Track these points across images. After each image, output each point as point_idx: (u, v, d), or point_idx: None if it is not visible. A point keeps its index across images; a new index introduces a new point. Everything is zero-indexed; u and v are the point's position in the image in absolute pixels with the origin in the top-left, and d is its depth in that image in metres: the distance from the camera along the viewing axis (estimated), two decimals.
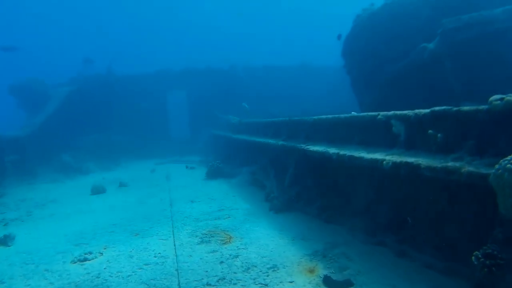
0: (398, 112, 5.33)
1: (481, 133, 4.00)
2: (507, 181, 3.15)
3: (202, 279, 5.11)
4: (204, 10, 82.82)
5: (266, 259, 5.69)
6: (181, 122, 28.30)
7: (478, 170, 3.51)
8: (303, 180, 8.77)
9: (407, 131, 5.17)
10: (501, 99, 3.73)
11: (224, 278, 5.07)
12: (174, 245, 6.60)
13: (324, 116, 8.01)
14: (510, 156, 3.26)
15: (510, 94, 3.72)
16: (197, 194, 11.09)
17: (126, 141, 23.84)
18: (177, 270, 5.48)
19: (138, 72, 27.32)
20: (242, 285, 4.88)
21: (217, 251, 6.20)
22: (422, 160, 4.32)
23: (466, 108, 4.14)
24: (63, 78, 25.97)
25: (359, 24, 13.44)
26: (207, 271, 5.36)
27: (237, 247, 6.34)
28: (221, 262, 5.69)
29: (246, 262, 5.61)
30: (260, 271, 5.24)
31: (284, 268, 5.31)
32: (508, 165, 3.17)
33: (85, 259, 6.16)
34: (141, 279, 5.24)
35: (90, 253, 6.41)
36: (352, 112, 7.41)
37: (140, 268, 5.65)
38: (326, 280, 4.71)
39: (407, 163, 4.45)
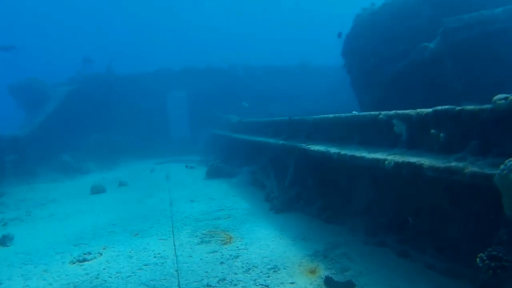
0: (400, 112, 5.28)
1: (484, 133, 3.95)
2: None
3: (202, 280, 5.06)
4: (204, 10, 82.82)
5: (266, 260, 5.65)
6: (181, 122, 28.23)
7: (482, 171, 3.46)
8: (304, 180, 8.73)
9: (409, 130, 5.12)
10: (505, 98, 3.68)
11: (225, 279, 5.02)
12: (174, 246, 6.56)
13: (324, 116, 7.96)
14: None
15: None
16: (197, 194, 11.05)
17: (126, 141, 23.81)
18: (177, 270, 5.44)
19: (138, 71, 27.27)
20: (242, 286, 4.84)
21: (217, 251, 6.16)
22: (424, 160, 4.27)
23: (469, 107, 4.10)
24: (63, 77, 25.93)
25: (359, 23, 13.40)
26: (207, 272, 5.32)
27: (238, 247, 6.30)
28: (222, 262, 5.65)
29: (247, 263, 5.57)
30: (261, 272, 5.20)
31: (285, 269, 5.27)
32: None
33: (84, 260, 6.12)
34: (140, 280, 5.19)
35: (89, 253, 6.37)
36: (353, 112, 7.35)
37: (140, 269, 5.61)
38: (328, 281, 4.67)
39: (409, 163, 4.40)
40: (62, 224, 8.83)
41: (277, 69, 28.46)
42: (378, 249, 5.69)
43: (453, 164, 3.85)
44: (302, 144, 8.13)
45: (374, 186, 6.30)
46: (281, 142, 9.52)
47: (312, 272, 5.10)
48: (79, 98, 23.11)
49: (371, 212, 6.35)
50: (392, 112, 5.46)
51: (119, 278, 5.33)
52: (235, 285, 4.88)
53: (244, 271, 5.27)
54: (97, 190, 12.81)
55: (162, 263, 5.81)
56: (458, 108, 4.23)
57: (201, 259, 5.83)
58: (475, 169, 3.55)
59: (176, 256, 6.05)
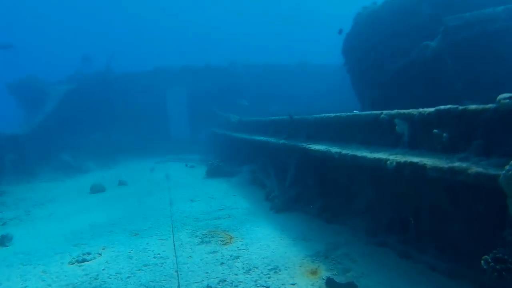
0: (402, 111, 5.23)
1: (488, 133, 3.90)
2: None
3: (203, 281, 5.02)
4: (204, 9, 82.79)
5: (267, 260, 5.61)
6: (181, 121, 28.20)
7: (487, 171, 3.41)
8: (304, 180, 8.68)
9: (411, 130, 5.07)
10: (510, 98, 3.63)
11: (225, 280, 4.98)
12: (174, 246, 6.51)
13: (325, 115, 7.91)
14: None
15: None
16: (197, 193, 11.01)
17: (126, 140, 23.80)
18: (177, 271, 5.40)
19: (137, 70, 27.23)
20: None
21: (217, 252, 6.11)
22: (427, 160, 4.22)
23: (472, 107, 4.05)
24: (62, 76, 25.86)
25: (359, 22, 13.36)
26: (207, 273, 5.27)
27: (238, 247, 6.25)
28: (222, 263, 5.61)
29: (247, 264, 5.52)
30: (262, 273, 5.15)
31: (286, 269, 5.23)
32: None
33: (84, 260, 6.08)
34: (140, 281, 5.15)
35: (89, 253, 6.33)
36: (354, 111, 7.30)
37: (139, 270, 5.56)
38: (329, 282, 4.62)
39: (411, 163, 4.35)
40: (61, 223, 8.79)
41: (277, 67, 28.40)
42: (379, 250, 5.65)
43: (457, 164, 3.80)
44: (303, 144, 8.08)
45: (375, 185, 6.25)
46: (281, 141, 9.47)
47: (313, 273, 5.05)
48: (79, 96, 23.06)
49: (372, 212, 6.31)
50: (394, 111, 5.41)
51: (119, 279, 5.28)
52: (236, 286, 4.83)
53: (244, 272, 5.22)
54: (96, 189, 12.78)
55: (162, 263, 5.77)
56: (461, 107, 4.18)
57: (201, 260, 5.79)
58: (479, 169, 3.50)
59: (176, 256, 6.00)
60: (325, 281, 4.71)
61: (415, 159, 4.39)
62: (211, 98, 25.48)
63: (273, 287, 4.74)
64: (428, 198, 4.96)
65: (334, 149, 6.53)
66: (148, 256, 6.12)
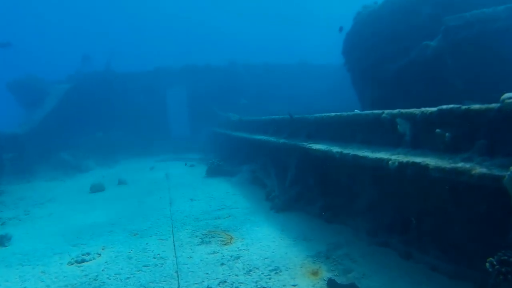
0: (404, 111, 5.19)
1: (491, 133, 3.86)
2: None
3: (203, 281, 4.98)
4: (204, 9, 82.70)
5: (268, 261, 5.56)
6: (181, 120, 28.19)
7: (491, 172, 3.37)
8: (305, 179, 8.64)
9: (413, 130, 5.03)
10: None
11: (226, 281, 4.93)
12: (174, 246, 6.47)
13: (326, 114, 7.88)
14: None
15: None
16: (197, 193, 10.97)
17: (126, 139, 23.79)
18: (176, 272, 5.35)
19: (137, 69, 27.21)
20: None
21: (217, 252, 6.07)
22: (430, 160, 4.18)
23: (475, 106, 4.01)
24: (62, 75, 25.85)
25: (359, 21, 13.32)
26: (207, 273, 5.23)
27: (238, 248, 6.21)
28: (222, 264, 5.56)
29: (248, 264, 5.48)
30: (262, 274, 5.11)
31: (287, 270, 5.18)
32: None
33: (83, 261, 6.04)
34: (140, 282, 5.11)
35: (88, 254, 6.29)
36: (355, 110, 7.26)
37: (139, 270, 5.52)
38: (331, 283, 4.58)
39: (414, 163, 4.31)
40: (60, 223, 8.75)
41: (277, 67, 28.39)
42: (381, 250, 5.60)
43: (460, 164, 3.76)
44: (303, 143, 8.04)
45: (376, 185, 6.21)
46: (282, 140, 9.43)
47: (314, 273, 5.01)
48: (78, 96, 23.05)
49: (373, 212, 6.27)
50: (396, 111, 5.36)
51: (118, 280, 5.24)
52: (236, 287, 4.79)
53: (245, 273, 5.18)
54: (96, 188, 12.75)
55: (162, 264, 5.73)
56: (464, 107, 4.14)
57: (201, 260, 5.75)
58: (483, 170, 3.45)
59: (176, 257, 5.96)
60: (326, 282, 4.67)
61: (418, 159, 4.34)
62: (211, 98, 25.47)
63: None
64: (430, 198, 4.92)
65: (335, 149, 6.49)
66: (148, 257, 6.08)
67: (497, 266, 3.29)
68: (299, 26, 76.05)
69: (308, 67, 28.87)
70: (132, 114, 25.46)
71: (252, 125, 13.99)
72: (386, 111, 5.63)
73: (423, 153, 4.62)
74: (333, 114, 7.58)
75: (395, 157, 4.77)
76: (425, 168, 4.10)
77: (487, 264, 3.37)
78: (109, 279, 5.30)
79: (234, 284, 4.85)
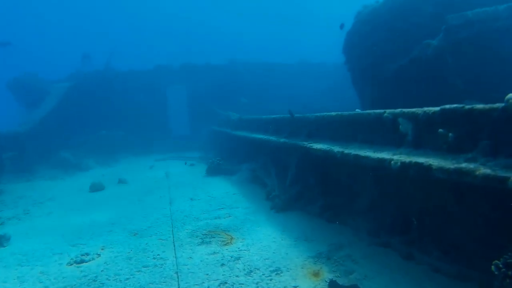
0: (406, 110, 5.13)
1: (495, 133, 3.81)
2: None
3: (203, 283, 4.93)
4: (204, 8, 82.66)
5: (268, 262, 5.52)
6: (181, 118, 28.18)
7: (495, 173, 3.32)
8: (305, 179, 8.60)
9: (415, 129, 4.97)
10: None
11: (226, 282, 4.89)
12: (174, 246, 6.43)
13: (327, 114, 7.82)
14: None
15: None
16: (197, 192, 10.94)
17: (126, 137, 23.77)
18: (176, 273, 5.31)
19: (137, 68, 27.20)
20: None
21: (218, 252, 6.02)
22: (432, 161, 4.12)
23: (479, 106, 3.95)
24: (62, 74, 25.84)
25: (360, 20, 13.27)
26: (208, 274, 5.18)
27: (239, 248, 6.16)
28: (222, 264, 5.52)
29: (248, 265, 5.44)
30: (263, 275, 5.06)
31: (288, 271, 5.14)
32: None
33: (82, 261, 5.99)
34: (139, 283, 5.06)
35: (87, 254, 6.25)
36: (356, 110, 7.22)
37: (139, 271, 5.48)
38: (332, 285, 4.53)
39: (417, 164, 4.25)
40: (60, 223, 8.72)
41: (277, 66, 28.36)
42: (382, 251, 5.56)
43: (464, 165, 3.71)
44: (304, 142, 7.98)
45: (377, 185, 6.16)
46: (282, 140, 9.37)
47: (316, 275, 4.97)
48: (79, 95, 23.05)
49: (374, 212, 6.22)
50: (398, 110, 5.31)
51: (118, 281, 5.20)
52: None
53: (245, 274, 5.14)
54: (96, 187, 12.72)
55: (162, 264, 5.68)
56: (467, 107, 4.09)
57: (201, 261, 5.70)
58: (488, 171, 3.40)
59: (176, 257, 5.91)
60: (327, 283, 4.62)
61: (420, 160, 4.29)
62: (211, 97, 25.45)
63: None
64: (432, 198, 4.87)
65: (336, 148, 6.43)
66: (148, 257, 6.03)
67: (504, 269, 3.24)
68: (299, 26, 76.10)
69: (308, 66, 28.84)
70: (132, 113, 25.45)
71: (252, 124, 13.95)
72: (388, 111, 5.57)
73: (426, 153, 4.57)
74: (334, 113, 7.53)
75: (397, 157, 4.71)
76: (428, 168, 4.05)
77: (493, 267, 3.32)
78: (109, 279, 5.26)
79: (234, 285, 4.80)
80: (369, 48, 12.56)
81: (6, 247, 7.11)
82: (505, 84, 8.74)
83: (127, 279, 5.23)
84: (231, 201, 9.62)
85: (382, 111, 5.72)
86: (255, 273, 5.15)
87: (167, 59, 31.27)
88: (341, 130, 7.15)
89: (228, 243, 6.46)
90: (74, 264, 5.91)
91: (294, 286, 4.69)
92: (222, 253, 5.98)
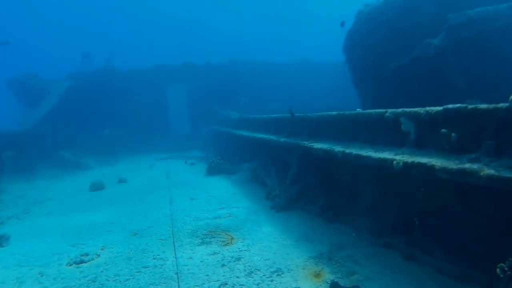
0: (408, 110, 5.09)
1: (499, 133, 3.77)
2: None
3: (203, 284, 4.89)
4: (204, 7, 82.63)
5: (269, 262, 5.48)
6: (181, 117, 28.14)
7: (499, 174, 3.28)
8: (305, 178, 8.56)
9: (417, 129, 4.93)
10: None
11: (226, 284, 4.84)
12: (174, 247, 6.38)
13: (328, 113, 7.77)
14: None
15: None
16: (197, 192, 10.90)
17: (126, 136, 23.73)
18: (177, 273, 5.27)
19: (137, 67, 27.15)
20: None
21: (218, 253, 5.98)
22: (435, 161, 4.08)
23: (483, 106, 3.91)
24: (62, 73, 25.80)
25: (361, 18, 13.22)
26: (208, 275, 5.14)
27: (239, 248, 6.12)
28: (223, 265, 5.47)
29: (249, 266, 5.39)
30: (264, 276, 5.02)
31: (289, 272, 5.09)
32: None
33: (82, 261, 5.95)
34: (139, 284, 5.02)
35: (87, 254, 6.21)
36: (357, 109, 7.17)
37: (139, 272, 5.43)
38: (334, 286, 4.48)
39: (419, 164, 4.21)
40: (60, 222, 8.68)
41: (277, 65, 28.32)
42: (384, 251, 5.52)
43: (467, 165, 3.67)
44: (305, 142, 7.94)
45: (379, 185, 6.12)
46: (282, 139, 9.33)
47: (317, 276, 4.92)
48: (78, 94, 23.02)
49: (376, 212, 6.19)
50: (400, 110, 5.27)
51: (117, 281, 5.15)
52: None
53: (246, 275, 5.09)
54: (96, 187, 12.70)
55: (162, 265, 5.64)
56: (471, 106, 4.05)
57: (201, 261, 5.65)
58: (492, 171, 3.36)
59: (176, 258, 5.87)
60: (329, 285, 4.57)
61: (423, 160, 4.25)
62: (211, 96, 25.42)
63: None
64: (435, 198, 4.83)
65: (337, 148, 6.39)
66: (148, 257, 5.99)
67: (509, 272, 3.20)
68: (300, 25, 76.03)
69: (308, 65, 28.80)
70: (132, 112, 25.42)
71: (253, 123, 13.91)
72: (389, 110, 5.53)
73: (428, 153, 4.53)
74: (335, 113, 7.48)
75: (400, 157, 4.67)
76: (431, 169, 4.01)
77: (498, 270, 3.28)
78: (108, 280, 5.22)
79: (235, 287, 4.76)
80: (370, 47, 12.52)
81: (5, 247, 7.07)
82: (506, 83, 8.72)
83: (127, 280, 5.19)
84: (231, 200, 9.58)
85: (383, 110, 5.67)
86: (255, 274, 5.10)
87: (167, 58, 31.23)
88: (342, 129, 7.11)
89: (228, 243, 6.42)
90: (74, 265, 5.87)
91: None
92: (222, 254, 5.93)
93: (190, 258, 5.83)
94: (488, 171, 3.39)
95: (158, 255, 6.06)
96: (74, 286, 5.12)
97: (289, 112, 9.47)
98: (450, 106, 4.31)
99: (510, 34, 8.97)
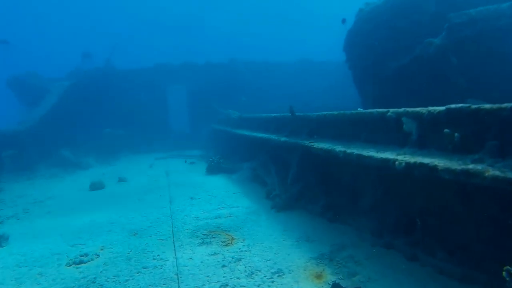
0: (410, 109, 5.04)
1: (503, 133, 3.72)
2: None
3: (204, 285, 4.84)
4: (204, 7, 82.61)
5: (270, 263, 5.44)
6: (181, 117, 28.13)
7: (505, 175, 3.24)
8: (306, 178, 8.52)
9: (419, 129, 4.88)
10: None
11: (227, 285, 4.80)
12: (174, 247, 6.34)
13: (328, 112, 7.73)
14: None
15: None
16: (197, 191, 10.87)
17: (126, 136, 23.69)
18: (177, 274, 5.22)
19: (137, 66, 27.12)
20: None
21: (218, 253, 5.93)
22: (438, 162, 4.04)
23: (487, 106, 3.87)
24: (62, 72, 25.76)
25: (361, 18, 13.19)
26: (208, 276, 5.10)
27: (240, 249, 6.08)
28: (223, 266, 5.43)
29: (250, 266, 5.35)
30: (265, 277, 4.98)
31: (290, 273, 5.05)
32: None
33: (81, 262, 5.91)
34: (139, 285, 4.97)
35: (86, 255, 6.16)
36: (359, 109, 7.13)
37: (138, 272, 5.39)
38: (336, 287, 4.45)
39: (422, 164, 4.17)
40: (59, 222, 8.63)
41: (278, 65, 28.27)
42: (386, 252, 5.47)
43: (471, 166, 3.62)
44: (305, 141, 7.90)
45: (380, 185, 6.08)
46: (283, 138, 9.29)
47: (318, 277, 4.88)
48: (79, 93, 22.97)
49: (377, 212, 6.14)
50: (402, 109, 5.22)
51: (117, 282, 5.11)
52: None
53: (247, 276, 5.05)
54: (96, 186, 12.65)
55: (162, 265, 5.60)
56: (474, 106, 4.00)
57: (202, 262, 5.61)
58: (497, 172, 3.32)
59: (176, 258, 5.83)
60: (331, 286, 4.53)
61: (426, 160, 4.21)
62: (211, 95, 25.38)
63: None
64: (437, 199, 4.79)
65: (338, 148, 6.35)
66: (148, 258, 5.95)
67: None
68: (300, 24, 75.99)
69: (309, 65, 28.76)
70: (133, 111, 25.39)
71: (253, 123, 13.87)
72: (391, 110, 5.49)
73: (430, 154, 4.49)
74: (335, 112, 7.43)
75: (402, 158, 4.63)
76: (434, 169, 3.97)
77: (504, 273, 3.23)
78: (108, 281, 5.17)
79: None
80: (371, 46, 12.49)
81: (4, 247, 7.02)
82: (507, 83, 8.71)
83: (127, 280, 5.15)
84: (232, 200, 9.54)
85: (385, 110, 5.63)
86: (256, 275, 5.06)
87: (167, 57, 31.19)
88: (343, 129, 7.07)
89: (228, 243, 6.38)
90: (73, 265, 5.83)
91: None
92: (223, 254, 5.89)
93: (190, 258, 5.79)
94: (493, 172, 3.35)
95: (158, 255, 6.02)
96: (73, 287, 5.07)
97: (289, 111, 9.42)
98: (453, 106, 4.27)
99: (511, 34, 8.94)
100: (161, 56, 36.28)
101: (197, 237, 6.77)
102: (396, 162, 4.57)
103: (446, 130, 4.24)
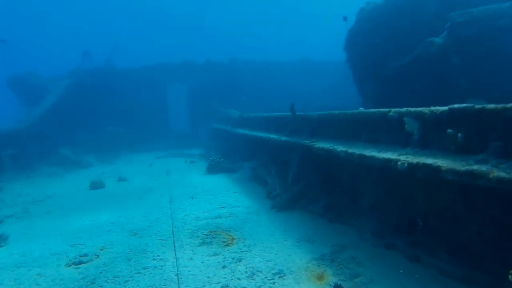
0: (412, 109, 5.00)
1: (507, 134, 3.69)
2: None
3: (204, 286, 4.81)
4: (204, 6, 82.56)
5: (271, 264, 5.40)
6: (181, 116, 28.11)
7: (510, 176, 3.20)
8: (307, 177, 8.49)
9: (422, 129, 4.84)
10: None
11: (228, 286, 4.75)
12: (174, 247, 6.31)
13: (329, 112, 7.68)
14: None
15: None
16: (197, 190, 10.83)
17: (126, 134, 23.70)
18: (177, 275, 5.19)
19: (137, 65, 27.08)
20: None
21: (219, 254, 5.90)
22: (441, 162, 4.00)
23: (490, 106, 3.83)
24: (62, 72, 25.72)
25: (362, 17, 13.14)
26: (209, 277, 5.06)
27: (240, 249, 6.04)
28: (224, 266, 5.40)
29: (251, 267, 5.31)
30: (266, 278, 4.94)
31: (291, 274, 5.01)
32: None
33: (80, 262, 5.87)
34: (138, 286, 4.94)
35: (86, 255, 6.13)
36: (360, 108, 7.09)
37: (138, 273, 5.35)
38: None
39: (425, 165, 4.13)
40: (59, 222, 8.59)
41: (278, 64, 28.24)
42: (388, 252, 5.44)
43: (475, 167, 3.58)
44: (306, 141, 7.86)
45: (381, 185, 6.04)
46: (284, 138, 9.25)
47: (320, 278, 4.84)
48: (79, 92, 22.94)
49: (378, 213, 6.11)
50: (404, 109, 5.18)
51: (116, 283, 5.07)
52: None
53: (247, 277, 5.01)
54: (96, 185, 12.61)
55: (162, 266, 5.56)
56: (478, 106, 3.96)
57: (202, 263, 5.58)
58: (502, 174, 3.28)
59: (176, 259, 5.79)
60: (332, 287, 4.50)
61: (428, 161, 4.16)
62: (212, 94, 25.37)
63: None
64: (439, 199, 4.75)
65: (339, 148, 6.31)
66: (147, 258, 5.91)
67: None
68: (300, 24, 75.93)
69: (309, 64, 28.74)
70: (133, 110, 25.41)
71: (253, 122, 13.82)
72: (393, 110, 5.44)
73: (433, 154, 4.45)
74: (336, 112, 7.39)
75: (404, 158, 4.59)
76: (437, 170, 3.93)
77: (510, 276, 3.19)
78: (107, 282, 5.13)
79: None
80: (372, 46, 12.44)
81: (3, 247, 6.98)
82: (507, 82, 8.68)
83: (126, 281, 5.11)
84: (232, 200, 9.50)
85: (387, 110, 5.59)
86: (257, 276, 5.02)
87: (167, 56, 31.16)
88: (344, 129, 7.03)
89: (229, 243, 6.35)
90: (73, 266, 5.79)
91: None
92: (223, 255, 5.86)
93: (191, 259, 5.75)
94: (498, 173, 3.31)
95: (158, 255, 5.98)
96: None
97: (290, 111, 9.37)
98: (455, 106, 4.23)
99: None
100: (161, 55, 36.28)
101: (197, 237, 6.73)
102: (399, 163, 4.53)
103: (449, 130, 4.20)
